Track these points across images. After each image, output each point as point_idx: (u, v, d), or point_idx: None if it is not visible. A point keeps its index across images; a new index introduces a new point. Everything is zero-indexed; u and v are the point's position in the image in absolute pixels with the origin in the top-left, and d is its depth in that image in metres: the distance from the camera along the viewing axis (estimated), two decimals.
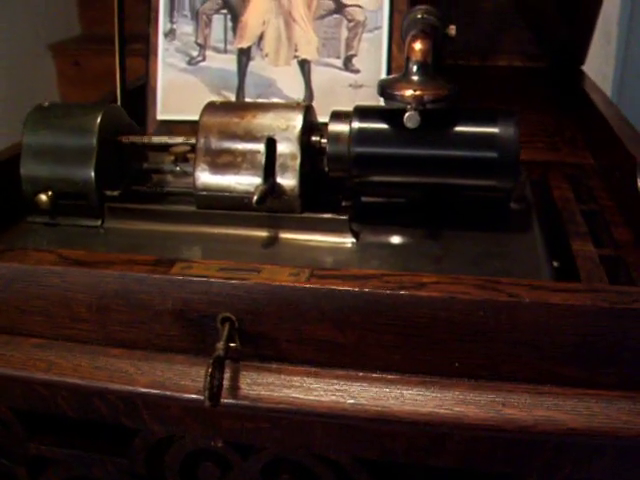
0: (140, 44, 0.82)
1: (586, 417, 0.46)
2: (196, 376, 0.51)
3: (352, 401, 0.49)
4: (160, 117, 0.79)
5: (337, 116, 0.62)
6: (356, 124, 0.61)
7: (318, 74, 0.77)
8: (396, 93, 0.57)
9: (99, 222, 0.65)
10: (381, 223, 0.63)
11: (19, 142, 0.66)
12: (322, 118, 0.65)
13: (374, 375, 0.49)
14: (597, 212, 0.67)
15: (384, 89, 0.59)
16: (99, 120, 0.64)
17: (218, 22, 0.79)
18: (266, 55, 0.78)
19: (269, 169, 0.61)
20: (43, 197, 0.64)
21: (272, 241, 0.61)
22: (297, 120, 0.62)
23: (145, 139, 0.69)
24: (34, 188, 0.64)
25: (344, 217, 0.61)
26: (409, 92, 0.57)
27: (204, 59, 0.79)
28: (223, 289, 0.49)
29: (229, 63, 0.78)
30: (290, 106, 0.64)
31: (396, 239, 0.62)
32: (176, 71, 0.79)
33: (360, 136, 0.60)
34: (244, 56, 0.78)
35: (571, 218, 0.65)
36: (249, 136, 0.62)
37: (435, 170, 0.60)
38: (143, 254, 0.55)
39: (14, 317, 0.54)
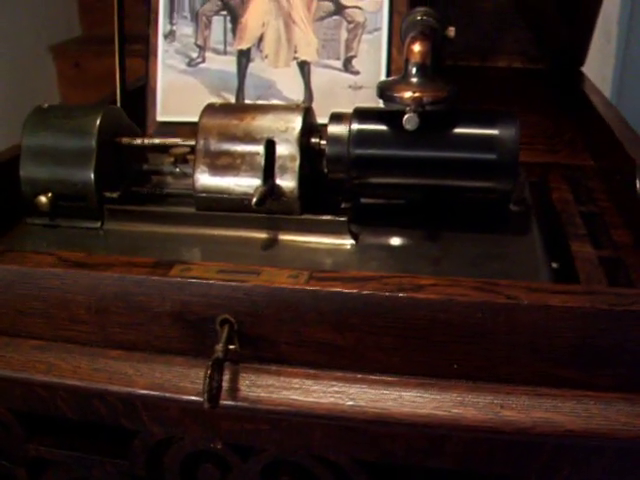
0: (140, 45, 0.82)
1: (584, 419, 0.46)
2: (195, 378, 0.51)
3: (351, 403, 0.49)
4: (160, 118, 0.79)
5: (336, 118, 0.62)
6: (355, 126, 0.61)
7: (318, 75, 0.77)
8: (395, 95, 0.58)
9: (98, 224, 0.65)
10: (380, 225, 0.63)
11: (18, 144, 0.66)
12: (322, 119, 0.65)
13: (373, 377, 0.49)
14: (596, 214, 0.67)
15: (383, 91, 0.59)
16: (98, 122, 0.64)
17: (218, 23, 0.79)
18: (266, 56, 0.78)
19: (268, 171, 0.61)
20: (42, 199, 0.64)
21: (271, 243, 0.62)
22: (296, 122, 0.62)
23: (145, 140, 0.69)
24: (33, 190, 0.65)
25: (343, 219, 0.61)
26: (408, 94, 0.57)
27: (204, 60, 0.79)
28: (222, 291, 0.49)
29: (229, 64, 0.78)
30: (289, 108, 0.64)
31: (395, 241, 0.62)
32: (176, 72, 0.79)
33: (359, 138, 0.61)
34: (244, 57, 0.78)
35: (570, 220, 0.65)
36: (248, 138, 0.62)
37: (434, 172, 0.60)
38: (142, 256, 0.55)
39: (14, 319, 0.55)
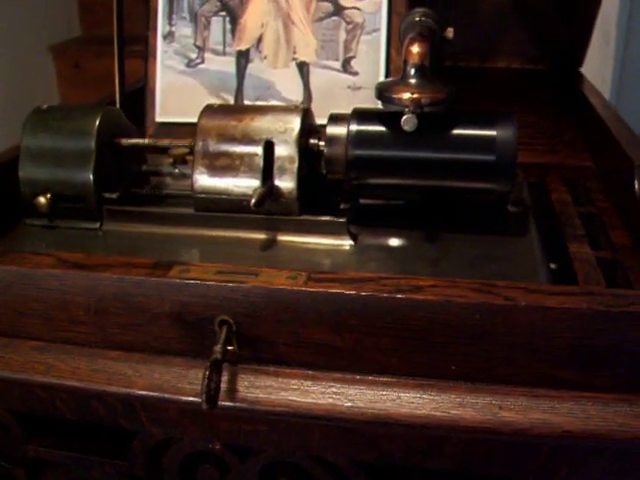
0: (139, 46, 0.82)
1: (582, 420, 0.46)
2: (194, 379, 0.51)
3: (349, 404, 0.49)
4: (159, 119, 0.79)
5: (335, 119, 0.62)
6: (354, 127, 0.61)
7: (317, 76, 0.77)
8: (394, 96, 0.58)
9: (97, 224, 0.65)
10: (379, 225, 0.63)
11: (18, 144, 0.66)
12: (321, 120, 0.65)
13: (371, 378, 0.49)
14: (595, 215, 0.68)
15: (382, 92, 0.59)
16: (98, 123, 0.65)
17: (217, 24, 0.79)
18: (265, 57, 0.78)
19: (267, 172, 0.61)
20: (42, 199, 0.64)
21: (270, 243, 0.62)
22: (295, 123, 0.62)
23: (144, 141, 0.69)
24: (33, 190, 0.65)
25: (342, 219, 0.61)
26: (407, 95, 0.57)
27: (203, 61, 0.79)
28: (221, 292, 0.49)
29: (228, 65, 0.78)
30: (288, 109, 0.64)
31: (394, 241, 0.62)
32: (175, 73, 0.79)
33: (358, 139, 0.61)
34: (243, 58, 0.78)
35: (569, 221, 0.65)
36: (247, 139, 0.62)
37: (433, 173, 0.60)
38: (141, 257, 0.55)
39: (13, 320, 0.55)
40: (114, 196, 0.65)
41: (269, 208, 0.61)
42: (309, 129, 0.64)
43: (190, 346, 0.52)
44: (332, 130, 0.61)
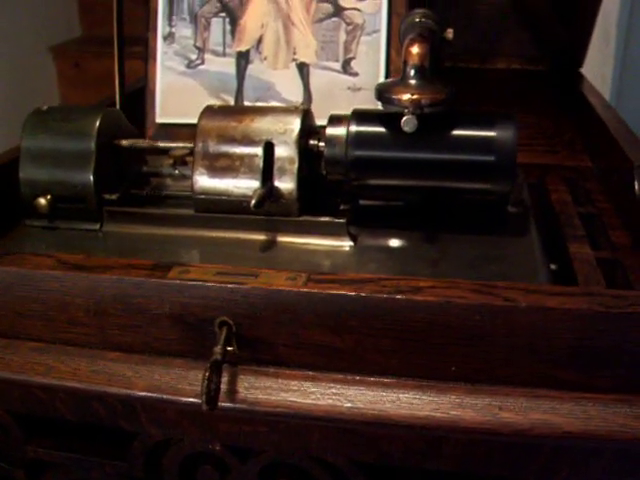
0: (139, 47, 0.82)
1: (582, 420, 0.46)
2: (194, 380, 0.51)
3: (349, 405, 0.49)
4: (159, 120, 0.79)
5: (335, 120, 0.62)
6: (354, 127, 0.61)
7: (317, 77, 0.77)
8: (393, 97, 0.58)
9: (98, 226, 0.65)
10: (379, 226, 0.63)
11: (18, 146, 0.66)
12: (321, 121, 0.65)
13: (371, 379, 0.49)
14: (595, 215, 0.68)
15: (381, 93, 0.59)
16: (98, 124, 0.65)
17: (217, 25, 0.79)
18: (265, 58, 0.78)
19: (267, 173, 0.61)
20: (42, 201, 0.64)
21: (270, 244, 0.62)
22: (295, 124, 0.62)
23: (144, 142, 0.69)
24: (33, 192, 0.65)
25: (342, 220, 0.61)
26: (406, 96, 0.57)
27: (203, 62, 0.79)
28: (220, 293, 0.49)
29: (228, 66, 0.78)
30: (288, 110, 0.64)
31: (394, 242, 0.62)
32: (175, 74, 0.79)
33: (358, 139, 0.61)
34: (243, 59, 0.78)
35: (569, 221, 0.65)
36: (247, 140, 0.62)
37: (432, 173, 0.60)
38: (141, 258, 0.55)
39: (13, 321, 0.55)
40: (114, 197, 0.65)
41: (269, 209, 0.61)
42: (309, 130, 0.64)
43: (190, 347, 0.52)
44: (332, 131, 0.61)
